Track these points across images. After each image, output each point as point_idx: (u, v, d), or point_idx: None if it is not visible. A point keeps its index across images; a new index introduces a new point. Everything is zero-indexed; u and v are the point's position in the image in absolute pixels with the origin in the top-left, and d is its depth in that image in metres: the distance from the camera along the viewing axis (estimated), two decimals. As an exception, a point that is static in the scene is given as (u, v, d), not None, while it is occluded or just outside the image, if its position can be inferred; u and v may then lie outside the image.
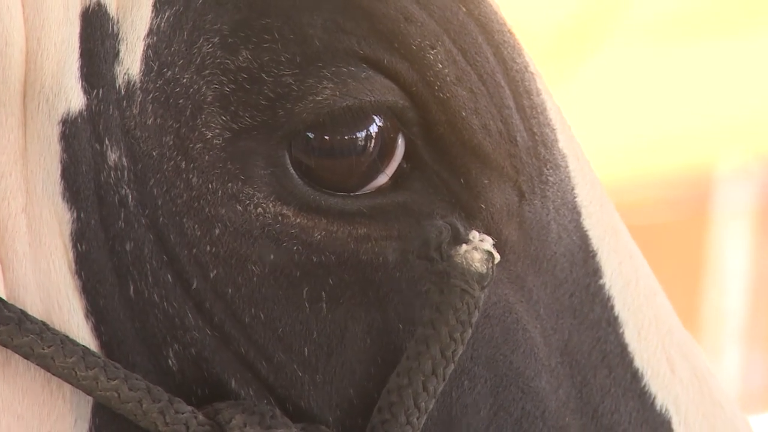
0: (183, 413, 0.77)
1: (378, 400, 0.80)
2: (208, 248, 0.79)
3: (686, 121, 5.42)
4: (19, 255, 0.80)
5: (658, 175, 5.51)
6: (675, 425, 0.86)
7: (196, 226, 0.80)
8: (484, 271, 0.80)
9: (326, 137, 0.80)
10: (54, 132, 0.80)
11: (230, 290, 0.79)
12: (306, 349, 0.80)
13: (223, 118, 0.79)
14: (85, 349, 0.77)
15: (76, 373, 0.77)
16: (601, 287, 0.89)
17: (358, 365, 0.81)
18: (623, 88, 5.35)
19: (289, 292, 0.80)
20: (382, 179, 0.80)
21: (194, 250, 0.80)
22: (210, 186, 0.80)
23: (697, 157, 5.48)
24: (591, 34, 5.33)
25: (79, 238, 0.79)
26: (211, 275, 0.79)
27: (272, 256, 0.80)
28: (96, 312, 0.79)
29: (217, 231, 0.80)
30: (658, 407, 0.87)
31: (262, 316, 0.80)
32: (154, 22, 0.81)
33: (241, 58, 0.80)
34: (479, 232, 0.80)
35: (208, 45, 0.80)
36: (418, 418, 0.79)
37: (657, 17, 5.50)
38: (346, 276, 0.80)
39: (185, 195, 0.80)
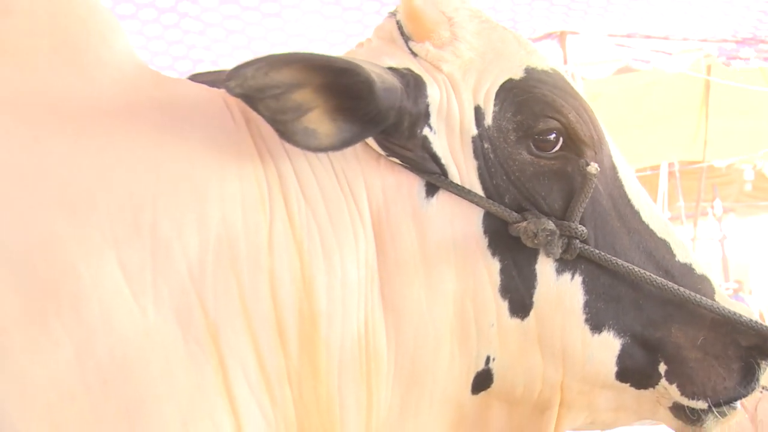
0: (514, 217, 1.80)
1: (558, 210, 1.79)
2: (514, 167, 1.80)
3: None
4: (452, 166, 1.78)
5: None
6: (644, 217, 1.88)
7: (510, 161, 1.80)
8: (595, 173, 1.78)
9: (541, 137, 1.81)
10: (469, 140, 1.81)
11: (522, 178, 1.79)
12: (542, 190, 1.80)
13: (512, 135, 1.80)
14: (477, 194, 1.79)
15: (477, 203, 1.79)
16: (618, 175, 1.90)
17: (556, 197, 1.80)
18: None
19: (537, 176, 1.79)
20: (557, 148, 1.82)
21: (509, 169, 1.79)
22: (511, 151, 1.81)
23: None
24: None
25: (480, 170, 1.80)
26: (514, 176, 1.80)
27: (532, 169, 1.79)
28: (482, 180, 1.79)
29: (518, 163, 1.80)
30: (644, 219, 1.87)
31: (531, 186, 1.80)
32: (493, 110, 1.82)
33: (518, 118, 1.81)
34: (594, 162, 1.80)
35: (509, 114, 1.82)
36: (575, 218, 1.78)
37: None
38: (553, 174, 1.80)
39: (506, 153, 1.81)
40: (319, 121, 1.65)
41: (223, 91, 1.82)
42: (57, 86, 1.62)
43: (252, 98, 1.62)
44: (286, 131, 1.64)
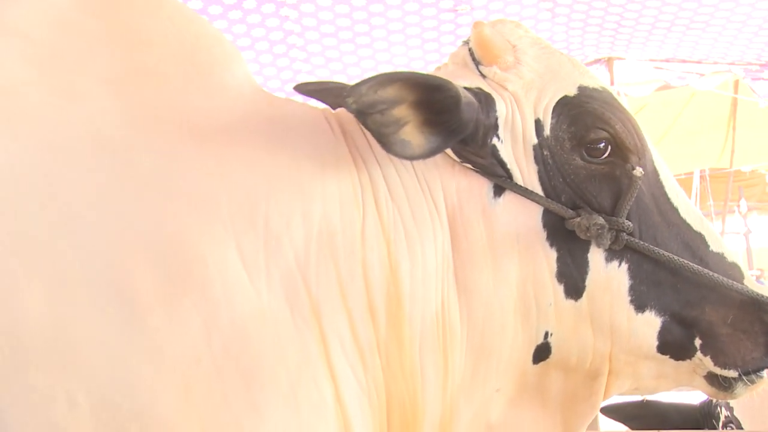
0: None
1: (607, 207, 1.76)
2: (570, 171, 1.77)
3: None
4: (516, 170, 1.78)
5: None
6: (682, 213, 1.84)
7: (565, 166, 1.77)
8: (640, 176, 1.76)
9: (592, 145, 1.78)
10: (531, 148, 1.78)
11: (576, 180, 1.77)
12: (594, 190, 1.77)
13: (567, 143, 1.78)
14: (537, 194, 1.75)
15: (538, 201, 1.74)
16: (659, 177, 1.84)
17: (606, 197, 1.79)
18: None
19: (589, 179, 1.77)
20: (606, 155, 1.78)
21: (565, 173, 1.77)
22: (566, 157, 1.78)
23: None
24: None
25: (540, 174, 1.77)
26: (569, 179, 1.77)
27: (584, 172, 1.77)
28: (542, 182, 1.76)
29: (572, 168, 1.77)
30: (682, 215, 1.84)
31: (584, 187, 1.77)
32: (551, 122, 1.79)
33: (572, 129, 1.79)
34: (639, 166, 1.77)
35: (564, 126, 1.79)
36: (623, 214, 1.75)
37: None
38: (603, 177, 1.78)
39: (562, 159, 1.78)
40: (412, 134, 1.66)
41: (324, 107, 1.84)
42: (188, 105, 1.64)
43: (363, 114, 1.62)
44: (387, 143, 1.64)
